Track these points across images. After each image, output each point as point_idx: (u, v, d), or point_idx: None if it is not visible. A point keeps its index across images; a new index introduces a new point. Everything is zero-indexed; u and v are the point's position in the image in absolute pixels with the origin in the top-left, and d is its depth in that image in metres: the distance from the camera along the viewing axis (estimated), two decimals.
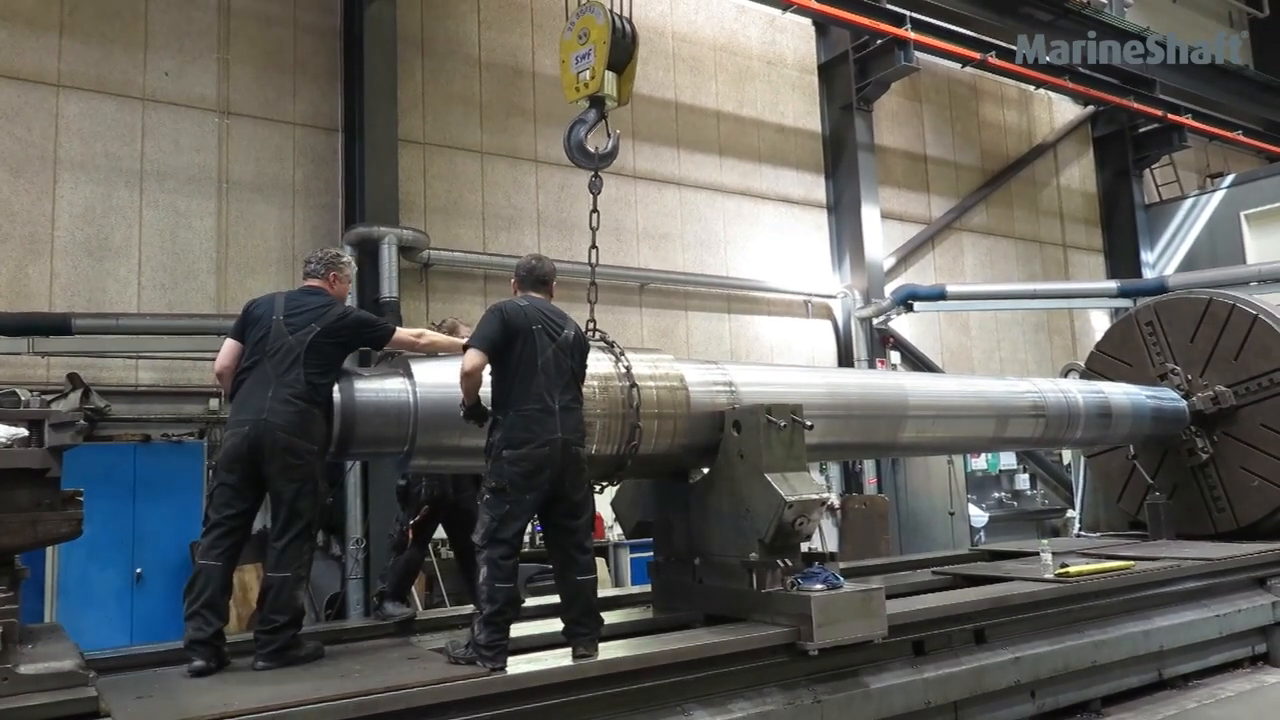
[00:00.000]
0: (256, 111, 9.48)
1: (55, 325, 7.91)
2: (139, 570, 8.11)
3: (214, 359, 8.97)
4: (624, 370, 5.09)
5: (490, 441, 4.25)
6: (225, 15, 9.42)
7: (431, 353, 4.69)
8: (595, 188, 5.98)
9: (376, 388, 4.47)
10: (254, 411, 4.19)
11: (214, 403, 8.75)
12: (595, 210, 5.91)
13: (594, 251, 5.93)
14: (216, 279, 9.03)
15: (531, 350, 4.29)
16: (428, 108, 10.39)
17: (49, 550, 7.47)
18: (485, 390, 4.35)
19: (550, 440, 4.21)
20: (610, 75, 5.97)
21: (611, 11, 5.98)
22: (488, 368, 4.29)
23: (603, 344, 5.32)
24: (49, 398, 5.83)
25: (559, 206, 11.11)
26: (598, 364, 5.00)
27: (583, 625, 4.30)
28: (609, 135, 6.10)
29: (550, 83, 11.23)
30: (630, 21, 6.06)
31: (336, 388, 4.34)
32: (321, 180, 9.73)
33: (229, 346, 4.46)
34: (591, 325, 5.60)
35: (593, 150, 6.07)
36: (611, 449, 5.00)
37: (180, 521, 8.31)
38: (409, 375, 4.51)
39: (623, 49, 5.99)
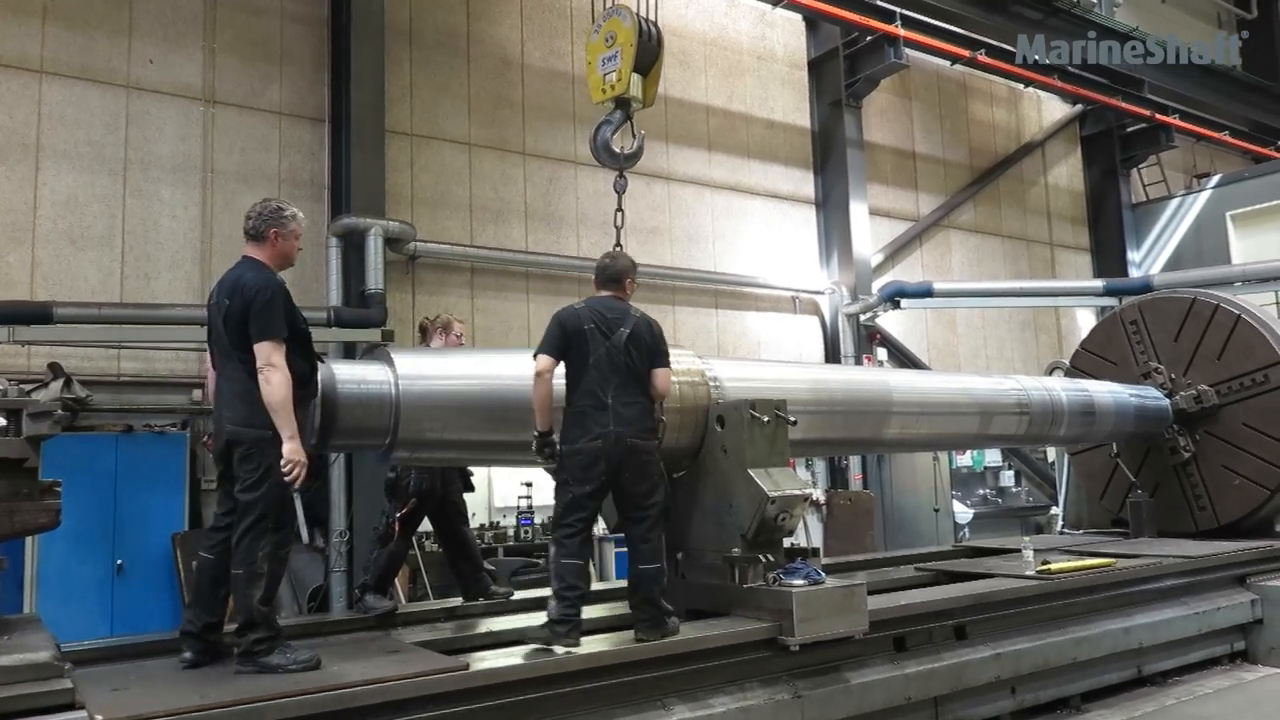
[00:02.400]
0: (242, 100, 9.40)
1: (36, 314, 7.83)
2: (120, 561, 8.06)
3: (196, 349, 8.98)
4: None
5: (559, 441, 4.51)
6: (211, 3, 9.34)
7: (274, 403, 3.86)
8: (620, 187, 6.08)
9: (358, 378, 4.44)
10: (216, 410, 4.13)
11: (196, 393, 8.69)
12: (620, 209, 6.01)
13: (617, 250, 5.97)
14: (200, 269, 8.97)
15: (584, 349, 4.50)
16: (415, 99, 10.33)
17: (28, 540, 7.40)
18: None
19: (602, 434, 4.40)
20: (636, 77, 6.03)
21: (638, 15, 6.03)
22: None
23: None
24: (30, 387, 5.78)
25: (547, 200, 11.08)
26: None
27: (643, 611, 4.47)
28: (634, 136, 6.15)
29: (539, 75, 11.21)
30: (656, 25, 6.11)
31: (318, 377, 4.29)
32: (307, 171, 9.67)
33: (208, 354, 4.28)
34: None
35: (618, 150, 6.12)
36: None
37: (162, 513, 8.27)
38: (391, 365, 4.49)
39: (649, 52, 6.06)
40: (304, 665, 3.83)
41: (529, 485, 10.15)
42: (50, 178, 8.46)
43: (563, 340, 4.50)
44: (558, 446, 4.48)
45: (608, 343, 4.51)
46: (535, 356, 4.49)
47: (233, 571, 3.95)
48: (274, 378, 3.86)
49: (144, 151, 8.89)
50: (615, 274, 4.78)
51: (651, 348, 4.64)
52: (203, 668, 3.96)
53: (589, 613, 5.40)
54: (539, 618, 4.56)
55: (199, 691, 3.47)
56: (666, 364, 4.71)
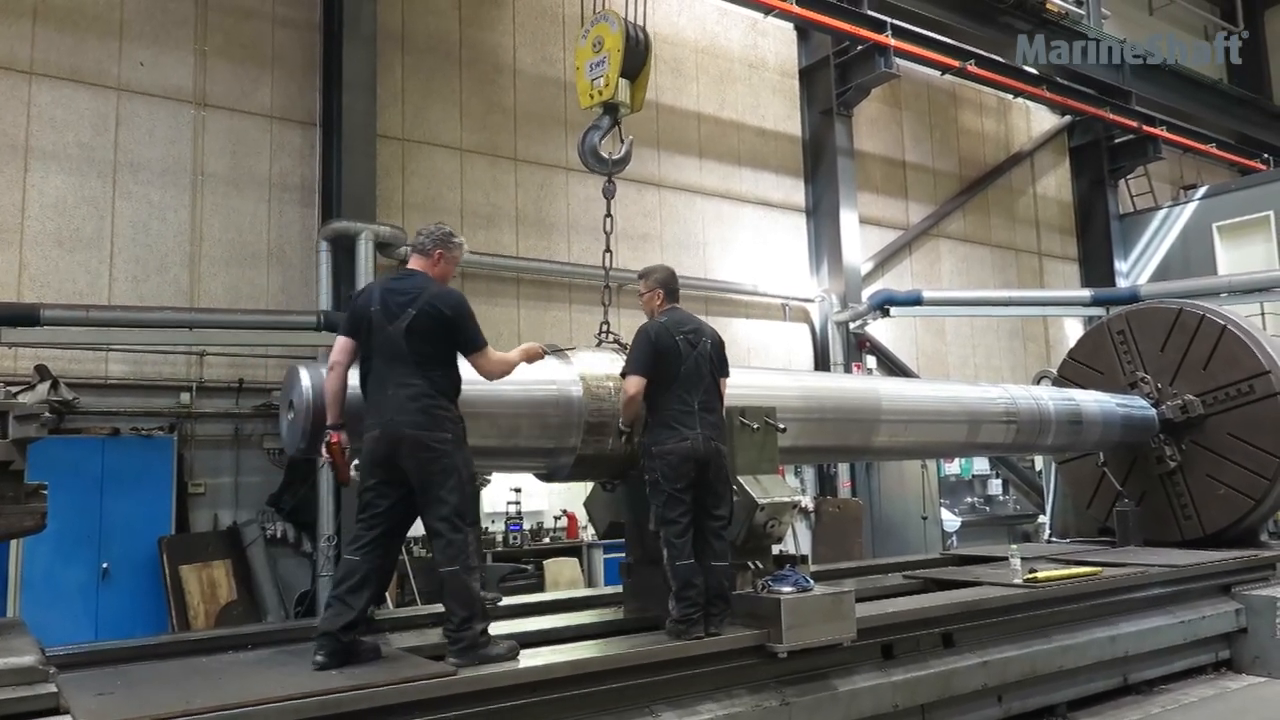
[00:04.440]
0: (233, 104, 9.37)
1: (23, 316, 7.76)
2: (105, 565, 8.01)
3: (185, 352, 8.93)
4: None
5: (641, 442, 4.84)
6: (202, 6, 9.31)
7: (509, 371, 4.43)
8: (609, 193, 6.08)
9: (349, 383, 4.43)
10: (379, 413, 4.11)
11: (184, 397, 8.67)
12: (609, 215, 6.02)
13: (608, 256, 6.04)
14: (189, 272, 8.94)
15: (675, 361, 4.84)
16: (407, 103, 10.33)
17: (13, 544, 7.36)
18: None
19: (690, 436, 4.71)
20: (624, 82, 6.04)
21: (626, 20, 6.04)
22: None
23: (616, 345, 5.44)
24: (16, 389, 5.76)
25: (538, 206, 11.09)
26: (613, 365, 5.15)
27: (714, 606, 4.65)
28: (622, 141, 6.16)
29: (531, 81, 11.23)
30: (644, 30, 6.13)
31: (308, 381, 4.28)
32: (298, 175, 9.64)
33: (340, 343, 4.29)
34: (604, 327, 5.70)
35: (606, 156, 6.13)
36: (625, 446, 5.08)
37: (148, 517, 8.23)
38: None
39: (636, 57, 6.07)
40: (512, 654, 4.07)
41: (518, 491, 10.14)
42: (39, 179, 8.42)
43: (654, 358, 4.80)
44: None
45: (695, 353, 4.90)
46: (624, 376, 4.82)
47: (441, 570, 4.07)
48: (494, 368, 4.32)
49: (133, 154, 8.85)
50: (678, 287, 5.24)
51: (722, 357, 5.09)
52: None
53: (577, 619, 5.42)
54: (527, 624, 4.58)
55: (184, 696, 3.45)
56: (728, 373, 5.11)
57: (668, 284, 5.19)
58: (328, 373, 4.27)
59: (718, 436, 4.83)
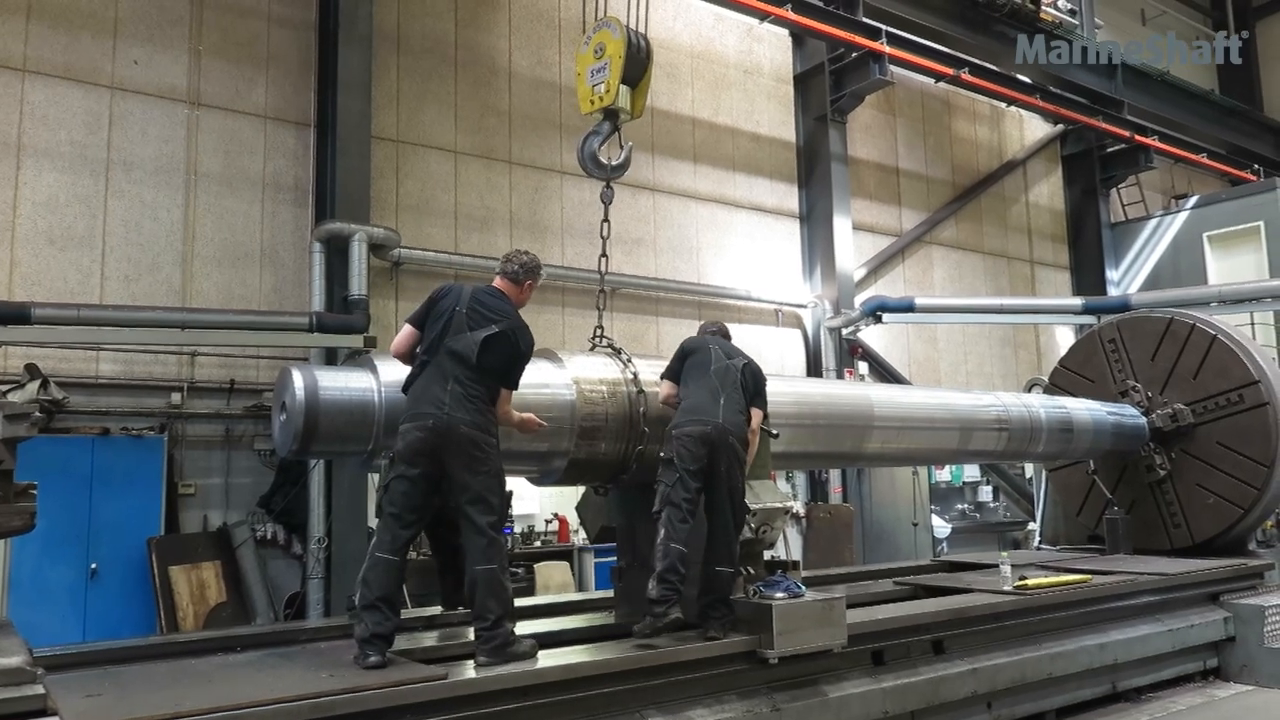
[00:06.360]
0: (227, 103, 9.35)
1: (14, 314, 7.71)
2: (94, 565, 7.97)
3: (176, 352, 8.88)
4: (632, 375, 5.27)
5: (667, 428, 4.98)
6: (198, 5, 9.29)
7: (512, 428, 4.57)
8: (607, 198, 6.11)
9: (341, 385, 4.43)
10: (434, 405, 4.20)
11: (175, 397, 8.63)
12: (606, 220, 6.04)
13: (604, 260, 6.08)
14: (181, 272, 8.91)
15: (706, 357, 5.14)
16: (402, 105, 10.32)
17: (1, 543, 7.32)
18: None
19: (711, 422, 4.84)
20: (624, 89, 6.07)
21: (628, 27, 6.06)
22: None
23: (609, 350, 5.47)
24: (6, 388, 5.73)
25: (532, 209, 11.08)
26: (606, 369, 5.23)
27: (715, 610, 4.70)
28: (621, 147, 6.18)
29: (527, 84, 11.23)
30: (645, 37, 6.15)
31: (301, 383, 4.28)
32: (291, 175, 9.62)
33: (407, 332, 4.49)
34: (599, 331, 5.72)
35: (605, 161, 6.15)
36: (619, 449, 5.11)
37: (138, 517, 8.20)
38: (374, 373, 4.48)
39: (637, 64, 6.10)
40: (533, 651, 4.20)
41: (509, 493, 10.12)
42: (31, 177, 8.39)
43: (679, 361, 5.16)
44: None
45: (728, 361, 5.16)
46: (661, 380, 5.21)
47: (484, 569, 4.16)
48: (504, 414, 4.45)
49: (127, 152, 8.82)
50: (726, 332, 5.65)
51: (756, 384, 5.21)
52: (176, 675, 3.93)
53: (567, 623, 5.42)
54: (518, 627, 4.53)
55: (175, 698, 3.44)
56: (763, 407, 5.22)
57: (718, 328, 5.68)
58: (395, 356, 4.49)
59: (737, 435, 4.89)
